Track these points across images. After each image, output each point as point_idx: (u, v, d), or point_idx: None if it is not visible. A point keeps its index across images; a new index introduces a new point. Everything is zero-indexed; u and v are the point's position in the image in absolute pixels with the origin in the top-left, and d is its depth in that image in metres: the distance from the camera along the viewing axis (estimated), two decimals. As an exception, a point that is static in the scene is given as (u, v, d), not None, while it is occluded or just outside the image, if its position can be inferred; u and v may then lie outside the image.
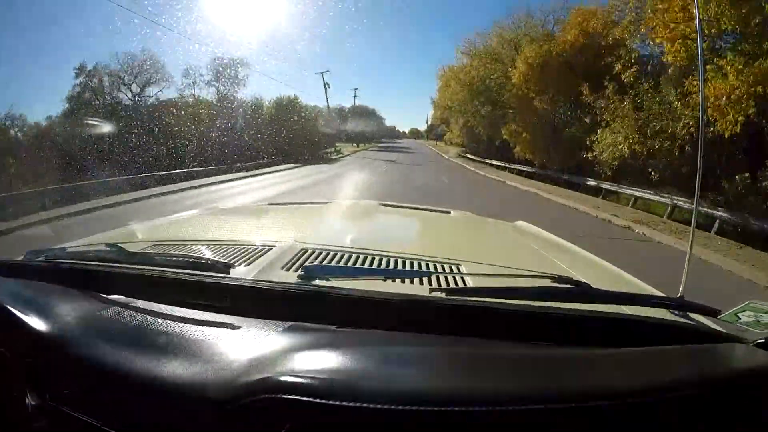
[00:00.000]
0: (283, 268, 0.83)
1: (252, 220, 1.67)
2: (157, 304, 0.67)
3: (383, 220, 1.79)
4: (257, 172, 15.74)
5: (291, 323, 0.60)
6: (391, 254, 0.96)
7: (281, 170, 17.03)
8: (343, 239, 1.14)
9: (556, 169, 13.98)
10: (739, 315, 0.74)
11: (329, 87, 35.38)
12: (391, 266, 0.90)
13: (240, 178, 13.61)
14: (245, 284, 0.69)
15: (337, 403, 0.43)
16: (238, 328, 0.59)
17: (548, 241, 1.55)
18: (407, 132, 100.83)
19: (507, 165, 18.66)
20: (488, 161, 21.80)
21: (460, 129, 26.97)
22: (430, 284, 0.77)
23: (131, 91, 22.57)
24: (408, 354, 0.55)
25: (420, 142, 69.38)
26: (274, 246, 0.96)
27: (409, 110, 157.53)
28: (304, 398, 0.44)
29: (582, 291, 0.76)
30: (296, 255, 0.91)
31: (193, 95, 24.64)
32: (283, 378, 0.46)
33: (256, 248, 0.95)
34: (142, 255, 0.87)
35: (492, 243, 1.52)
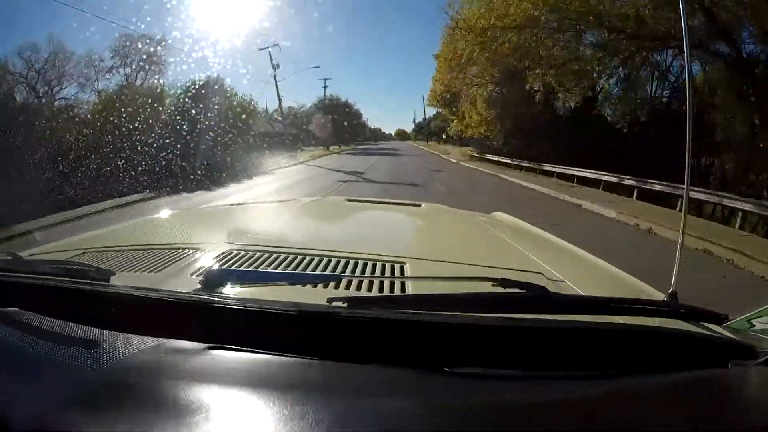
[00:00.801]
0: (193, 273, 0.75)
1: (203, 221, 1.53)
2: (39, 316, 0.60)
3: (342, 217, 1.66)
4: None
5: (159, 340, 0.52)
6: (324, 254, 0.87)
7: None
8: (284, 239, 1.07)
9: None
10: (754, 321, 0.61)
11: (279, 68, 24.16)
12: (319, 269, 0.80)
13: None
14: (114, 293, 0.61)
15: None
16: (96, 345, 0.52)
17: (529, 233, 1.46)
18: (393, 134, 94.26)
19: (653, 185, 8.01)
20: (551, 169, 11.19)
21: (486, 102, 14.93)
22: (358, 290, 0.71)
23: (35, 91, 17.02)
24: (281, 404, 0.40)
25: (408, 143, 59.21)
26: (199, 248, 0.91)
27: (395, 113, 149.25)
28: None
29: (539, 297, 0.60)
30: (217, 257, 0.85)
31: (96, 90, 17.83)
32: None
33: (182, 251, 0.90)
34: (31, 263, 0.79)
35: (455, 238, 1.38)
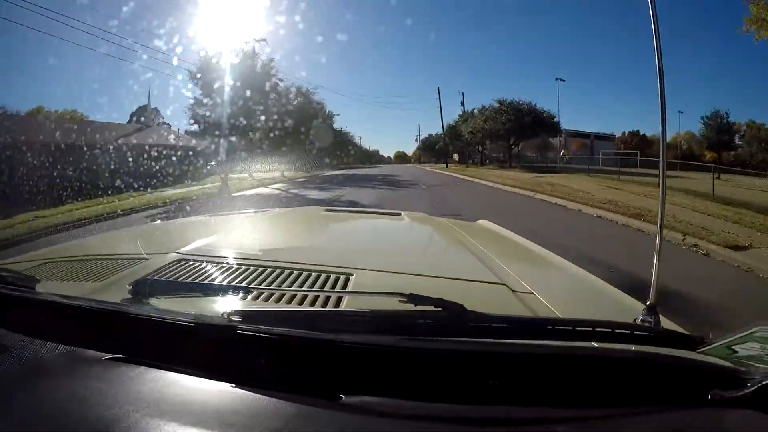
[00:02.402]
0: (131, 284, 0.72)
1: (172, 232, 1.57)
2: None
3: (311, 227, 1.65)
4: None
5: (69, 348, 0.52)
6: (268, 264, 0.85)
7: None
8: (240, 249, 1.02)
9: None
10: (735, 348, 0.55)
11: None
12: (257, 280, 0.79)
13: None
14: (32, 298, 0.61)
15: None
16: (5, 349, 0.52)
17: (510, 243, 1.43)
18: (392, 157, 78.84)
19: None
20: None
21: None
22: (277, 302, 0.69)
23: None
24: (159, 427, 0.40)
25: (411, 167, 41.58)
26: (150, 258, 0.90)
27: (394, 136, 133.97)
28: None
29: (451, 317, 0.52)
30: (160, 268, 0.83)
31: None
32: None
33: (134, 261, 0.89)
34: None
35: (424, 249, 1.34)
